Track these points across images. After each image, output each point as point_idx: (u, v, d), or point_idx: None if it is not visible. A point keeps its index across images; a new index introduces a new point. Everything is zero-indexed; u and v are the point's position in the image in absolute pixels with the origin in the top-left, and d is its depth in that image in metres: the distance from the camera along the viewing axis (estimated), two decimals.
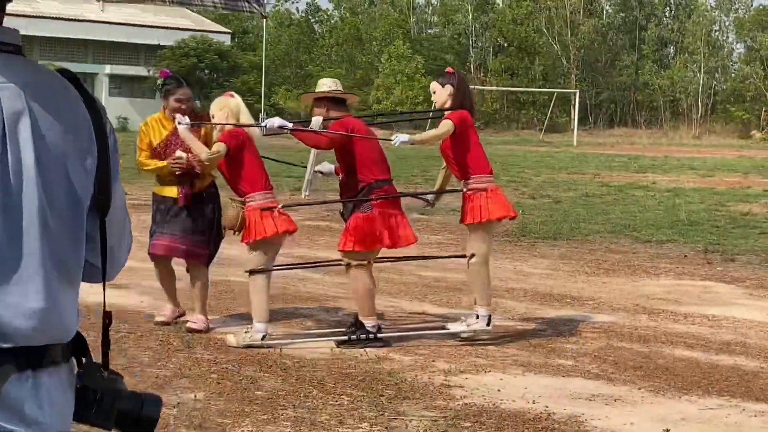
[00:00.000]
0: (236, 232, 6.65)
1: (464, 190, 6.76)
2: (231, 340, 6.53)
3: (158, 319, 7.11)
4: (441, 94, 6.84)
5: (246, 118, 6.73)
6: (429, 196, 7.43)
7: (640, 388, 5.70)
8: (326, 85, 6.88)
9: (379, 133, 7.47)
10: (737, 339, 7.09)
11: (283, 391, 5.41)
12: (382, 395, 5.37)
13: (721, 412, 5.29)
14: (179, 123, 6.60)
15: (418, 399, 5.33)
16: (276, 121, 6.68)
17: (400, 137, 6.65)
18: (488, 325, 6.74)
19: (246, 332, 6.52)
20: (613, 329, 7.31)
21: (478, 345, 6.68)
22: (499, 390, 5.57)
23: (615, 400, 5.44)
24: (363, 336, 6.57)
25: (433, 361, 6.21)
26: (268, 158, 7.74)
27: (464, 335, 6.77)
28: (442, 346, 6.61)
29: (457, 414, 5.06)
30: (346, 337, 6.62)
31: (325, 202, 7.72)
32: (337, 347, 6.51)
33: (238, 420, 4.89)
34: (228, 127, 6.64)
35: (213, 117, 6.74)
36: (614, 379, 5.88)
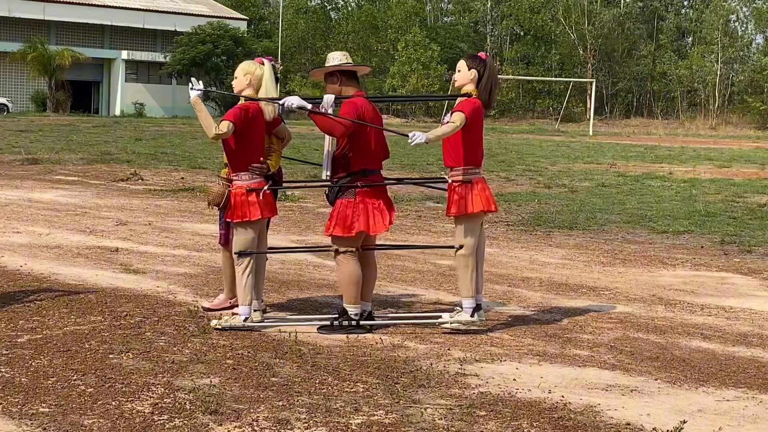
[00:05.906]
0: (220, 210, 6.69)
1: (450, 180, 6.65)
2: (214, 322, 6.52)
3: (204, 304, 7.16)
4: (464, 75, 6.71)
5: (266, 92, 6.61)
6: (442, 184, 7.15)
7: (656, 379, 5.67)
8: (336, 58, 6.69)
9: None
10: (754, 331, 7.05)
11: (299, 378, 5.41)
12: (397, 383, 5.35)
13: (738, 404, 5.25)
14: (192, 88, 6.43)
15: (433, 387, 5.32)
16: (295, 101, 6.48)
17: (416, 137, 6.41)
18: (473, 316, 6.65)
19: (233, 315, 6.54)
20: (630, 320, 7.28)
21: (493, 334, 6.66)
22: (514, 379, 5.55)
23: (631, 391, 5.41)
24: (345, 323, 6.58)
25: (449, 349, 6.19)
26: (290, 158, 7.68)
27: (447, 326, 6.68)
28: (458, 335, 6.58)
29: (473, 403, 5.04)
30: (328, 323, 6.62)
31: (307, 186, 7.56)
32: (318, 332, 6.51)
33: (253, 406, 4.89)
34: (244, 94, 6.58)
35: (235, 78, 6.68)
36: (630, 370, 5.85)
